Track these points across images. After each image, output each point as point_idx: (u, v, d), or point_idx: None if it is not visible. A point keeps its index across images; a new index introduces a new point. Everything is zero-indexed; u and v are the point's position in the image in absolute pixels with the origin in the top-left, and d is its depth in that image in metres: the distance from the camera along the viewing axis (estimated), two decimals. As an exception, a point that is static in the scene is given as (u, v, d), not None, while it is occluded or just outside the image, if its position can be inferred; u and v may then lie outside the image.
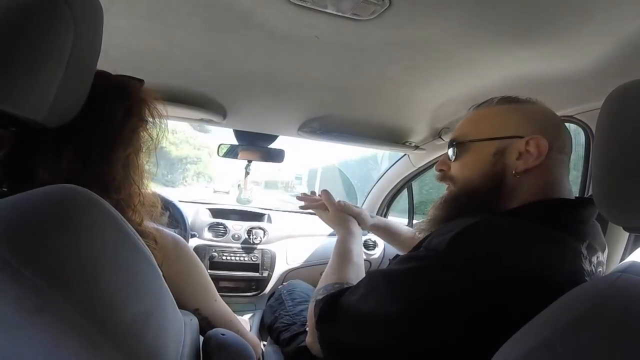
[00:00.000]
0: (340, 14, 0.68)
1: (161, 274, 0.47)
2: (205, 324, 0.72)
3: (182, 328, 0.53)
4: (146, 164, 0.64)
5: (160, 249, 0.60)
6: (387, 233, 1.15)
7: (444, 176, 0.74)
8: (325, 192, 1.06)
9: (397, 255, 0.69)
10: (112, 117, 0.56)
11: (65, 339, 0.33)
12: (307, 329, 0.76)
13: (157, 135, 0.64)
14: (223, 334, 0.63)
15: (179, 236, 0.74)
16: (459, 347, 0.50)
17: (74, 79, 0.44)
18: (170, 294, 0.49)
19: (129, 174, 0.58)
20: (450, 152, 0.72)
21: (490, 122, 0.68)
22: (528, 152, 0.62)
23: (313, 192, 1.16)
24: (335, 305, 0.65)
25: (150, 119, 0.62)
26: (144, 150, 0.62)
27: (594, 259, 0.58)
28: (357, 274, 0.81)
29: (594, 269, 0.57)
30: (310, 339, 0.73)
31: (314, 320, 0.68)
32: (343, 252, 0.88)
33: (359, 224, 1.01)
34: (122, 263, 0.41)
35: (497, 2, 0.63)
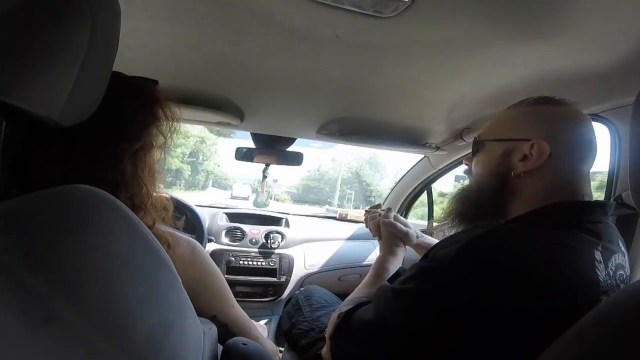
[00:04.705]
0: (361, 11, 0.65)
1: (180, 281, 0.46)
2: (223, 331, 0.70)
3: (201, 338, 0.51)
4: (156, 163, 0.62)
5: (174, 254, 0.59)
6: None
7: (469, 170, 0.79)
8: (388, 210, 1.05)
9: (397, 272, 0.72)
10: (120, 113, 0.55)
11: (73, 353, 0.31)
12: (326, 335, 0.77)
13: (169, 133, 0.63)
14: (244, 344, 0.60)
15: (195, 241, 0.72)
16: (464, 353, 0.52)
17: (90, 76, 0.42)
18: (190, 302, 0.48)
19: (137, 171, 0.57)
20: (472, 148, 0.76)
21: (506, 124, 0.71)
22: (530, 155, 0.64)
23: (378, 205, 1.16)
24: (349, 318, 0.68)
25: (163, 118, 0.61)
26: (154, 149, 0.61)
27: (612, 262, 0.57)
28: None
29: (611, 272, 0.56)
30: (325, 349, 0.74)
31: (330, 331, 0.70)
32: (380, 270, 0.91)
33: (404, 243, 1.01)
34: (141, 271, 0.39)
35: None
